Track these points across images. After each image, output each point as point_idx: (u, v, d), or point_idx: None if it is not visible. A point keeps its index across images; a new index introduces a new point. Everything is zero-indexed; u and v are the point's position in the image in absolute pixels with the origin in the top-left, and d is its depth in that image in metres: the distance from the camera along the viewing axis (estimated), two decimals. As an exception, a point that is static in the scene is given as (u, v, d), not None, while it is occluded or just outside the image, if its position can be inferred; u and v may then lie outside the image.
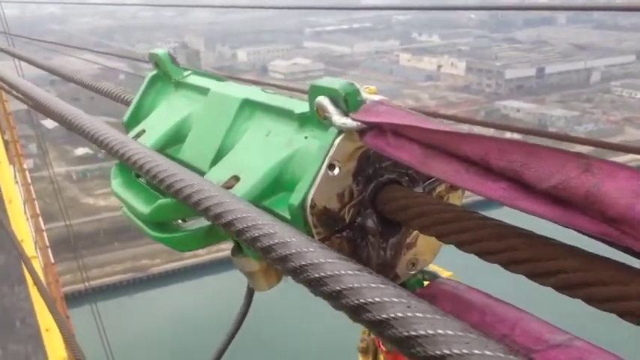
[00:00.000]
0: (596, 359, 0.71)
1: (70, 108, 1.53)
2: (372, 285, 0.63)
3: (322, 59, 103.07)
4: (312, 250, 0.70)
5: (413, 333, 0.55)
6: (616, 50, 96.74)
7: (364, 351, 5.35)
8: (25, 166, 10.82)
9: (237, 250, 1.10)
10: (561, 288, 0.68)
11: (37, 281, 2.68)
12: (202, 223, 1.16)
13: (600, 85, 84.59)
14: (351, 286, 0.63)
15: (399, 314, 0.58)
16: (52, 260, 9.50)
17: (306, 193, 0.92)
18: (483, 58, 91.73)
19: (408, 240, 1.00)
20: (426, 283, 1.02)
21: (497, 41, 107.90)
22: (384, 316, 0.59)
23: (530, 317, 0.82)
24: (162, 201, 1.17)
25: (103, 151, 1.26)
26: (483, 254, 0.77)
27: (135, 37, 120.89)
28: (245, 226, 0.79)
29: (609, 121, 70.79)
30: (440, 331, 0.54)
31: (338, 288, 0.64)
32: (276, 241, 0.73)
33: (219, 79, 1.50)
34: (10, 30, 12.33)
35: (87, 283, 14.98)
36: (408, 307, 0.58)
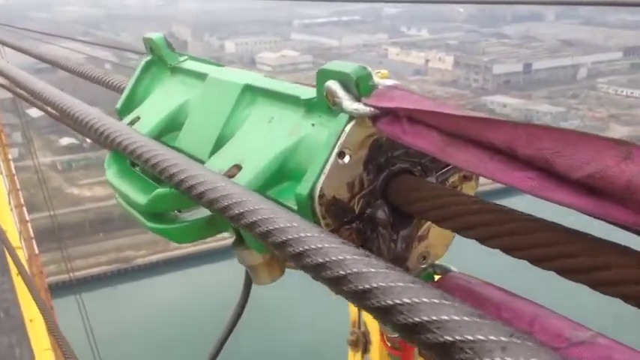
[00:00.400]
0: (621, 357, 0.67)
1: (61, 95, 1.47)
2: (381, 270, 0.59)
3: (310, 52, 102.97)
4: (316, 235, 0.66)
5: (425, 318, 0.53)
6: (603, 47, 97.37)
7: (354, 344, 5.30)
8: (9, 156, 10.73)
9: (239, 242, 1.05)
10: (565, 273, 0.66)
11: (21, 271, 2.62)
12: (201, 213, 1.11)
13: (587, 81, 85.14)
14: (357, 271, 0.60)
15: (407, 300, 0.55)
16: (37, 251, 9.44)
17: (315, 182, 0.87)
18: (471, 53, 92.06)
19: (420, 232, 0.96)
20: (437, 277, 0.97)
21: (486, 36, 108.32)
22: (395, 301, 0.55)
23: (549, 313, 0.78)
24: (160, 191, 1.12)
25: (88, 140, 1.20)
26: (505, 249, 0.72)
27: (121, 26, 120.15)
28: (249, 215, 0.74)
29: (595, 117, 71.30)
30: (455, 317, 0.52)
31: (343, 273, 0.60)
32: (280, 226, 0.69)
33: (216, 64, 1.44)
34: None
35: (71, 274, 14.88)
36: (420, 293, 0.55)
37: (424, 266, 0.99)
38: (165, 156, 0.94)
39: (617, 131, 66.44)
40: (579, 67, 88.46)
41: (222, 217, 0.80)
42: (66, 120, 1.34)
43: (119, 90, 1.80)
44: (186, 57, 1.45)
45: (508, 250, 0.72)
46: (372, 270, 0.59)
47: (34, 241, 9.50)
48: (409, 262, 0.96)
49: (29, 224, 9.71)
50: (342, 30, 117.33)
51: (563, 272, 0.66)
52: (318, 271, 0.63)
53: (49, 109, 1.53)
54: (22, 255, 8.05)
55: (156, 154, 0.95)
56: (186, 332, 30.05)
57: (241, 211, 0.75)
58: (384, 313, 0.56)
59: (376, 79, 0.88)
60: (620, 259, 0.61)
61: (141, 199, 1.14)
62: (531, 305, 0.80)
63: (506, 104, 73.91)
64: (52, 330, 2.46)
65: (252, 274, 1.09)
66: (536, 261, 0.69)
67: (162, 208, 1.14)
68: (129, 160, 1.28)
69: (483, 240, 0.74)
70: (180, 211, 1.16)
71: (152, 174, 1.04)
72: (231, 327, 1.28)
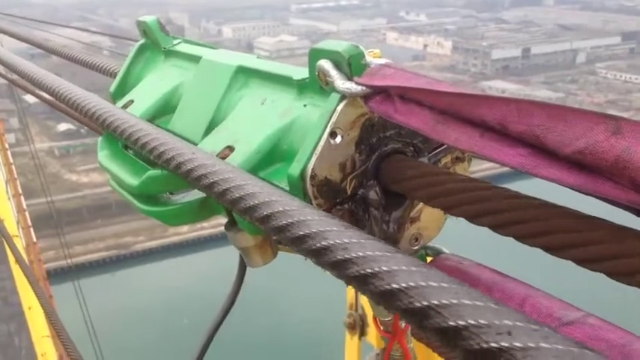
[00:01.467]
0: (611, 336, 0.67)
1: (55, 78, 1.47)
2: (387, 254, 0.58)
3: (308, 37, 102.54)
4: (316, 218, 0.65)
5: (434, 302, 0.52)
6: (602, 31, 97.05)
7: (351, 327, 5.31)
8: (7, 145, 10.73)
9: (232, 224, 1.05)
10: (551, 249, 0.66)
11: (19, 259, 2.62)
12: (194, 195, 1.11)
13: (585, 66, 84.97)
14: (362, 254, 0.58)
15: (413, 283, 0.54)
16: (35, 239, 9.46)
17: (307, 163, 0.86)
18: (470, 38, 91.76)
19: (412, 214, 0.95)
20: (429, 259, 0.97)
21: (484, 21, 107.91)
22: (400, 285, 0.54)
23: (540, 293, 0.78)
24: (151, 172, 1.11)
25: (86, 127, 1.19)
26: (494, 226, 0.72)
27: (119, 12, 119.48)
28: (242, 194, 0.73)
29: (593, 102, 71.22)
30: (465, 301, 0.51)
31: (346, 256, 0.59)
32: (277, 209, 0.68)
33: (211, 47, 1.43)
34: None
35: (69, 260, 14.90)
36: (423, 275, 0.54)
37: (416, 248, 0.98)
38: (157, 137, 0.94)
39: (616, 116, 66.36)
40: (578, 52, 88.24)
41: (217, 200, 0.80)
42: (58, 104, 1.33)
43: (114, 75, 1.80)
44: (180, 40, 1.44)
45: (495, 228, 0.72)
46: (378, 253, 0.58)
47: (31, 230, 9.51)
48: (401, 243, 0.96)
49: (27, 213, 9.72)
50: (340, 15, 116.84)
51: (551, 249, 0.66)
52: (319, 255, 0.62)
53: (42, 94, 1.52)
54: (20, 243, 8.08)
55: (147, 136, 0.94)
56: (185, 317, 30.13)
57: (239, 195, 0.74)
58: (389, 298, 0.55)
59: (368, 58, 0.87)
60: (608, 235, 0.62)
61: (133, 181, 1.14)
62: (522, 286, 0.80)
63: (505, 90, 73.79)
64: (51, 318, 2.47)
65: (244, 256, 1.08)
66: (523, 238, 0.69)
67: (154, 190, 1.13)
68: (121, 142, 1.28)
69: (471, 218, 0.74)
70: (172, 194, 1.15)
71: (144, 156, 1.03)
72: (225, 311, 1.27)
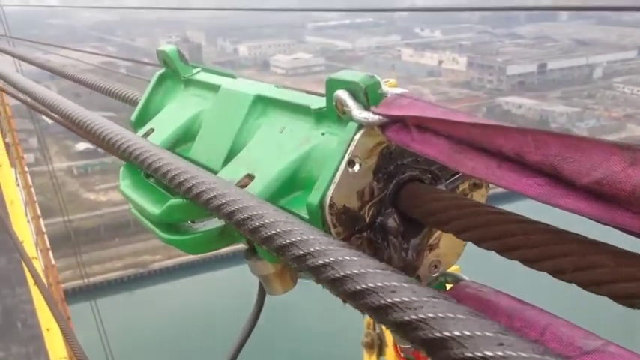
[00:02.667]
0: None
1: (75, 107, 1.49)
2: (405, 285, 0.58)
3: (324, 54, 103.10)
4: (335, 248, 0.65)
5: (447, 334, 0.52)
6: (618, 46, 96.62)
7: (369, 346, 5.28)
8: (26, 169, 10.91)
9: (251, 252, 1.05)
10: (556, 273, 0.66)
11: (38, 281, 2.64)
12: (214, 224, 1.11)
13: (602, 81, 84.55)
14: (380, 285, 0.58)
15: (431, 314, 0.54)
16: (53, 262, 9.54)
17: (325, 192, 0.87)
18: (485, 54, 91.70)
19: (431, 241, 0.95)
20: (448, 286, 0.97)
21: (499, 37, 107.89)
22: (418, 316, 0.54)
23: (561, 321, 0.77)
24: (173, 201, 1.12)
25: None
26: (501, 250, 0.73)
27: (136, 31, 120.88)
28: (261, 223, 0.74)
29: (611, 117, 70.77)
30: (477, 333, 0.51)
31: (364, 286, 0.59)
32: (296, 238, 0.69)
33: (229, 75, 1.45)
34: (11, 24, 12.42)
35: (86, 280, 15.01)
36: (440, 306, 0.55)
37: (435, 275, 0.98)
38: (177, 166, 0.95)
39: (634, 131, 65.86)
40: (594, 67, 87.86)
41: (237, 229, 0.81)
42: (80, 132, 1.35)
43: (133, 102, 1.82)
44: (199, 69, 1.45)
45: (502, 252, 0.73)
46: (395, 284, 0.58)
47: (50, 252, 9.60)
48: (420, 270, 0.96)
49: (46, 236, 9.81)
50: (355, 32, 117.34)
51: (556, 273, 0.67)
52: (337, 284, 0.62)
53: (66, 122, 1.54)
54: (39, 265, 8.16)
55: (168, 165, 0.96)
56: (203, 338, 30.10)
57: (259, 224, 0.75)
58: (407, 329, 0.55)
59: (385, 88, 0.87)
60: (611, 259, 0.62)
61: (154, 209, 1.15)
62: (543, 314, 0.80)
63: (521, 105, 73.55)
64: (69, 340, 2.49)
65: (264, 284, 1.09)
66: (529, 262, 0.70)
67: (175, 218, 1.14)
68: (143, 171, 1.29)
69: (479, 242, 0.75)
70: (194, 222, 1.16)
71: (165, 185, 1.05)
72: (244, 337, 1.27)
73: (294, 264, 0.69)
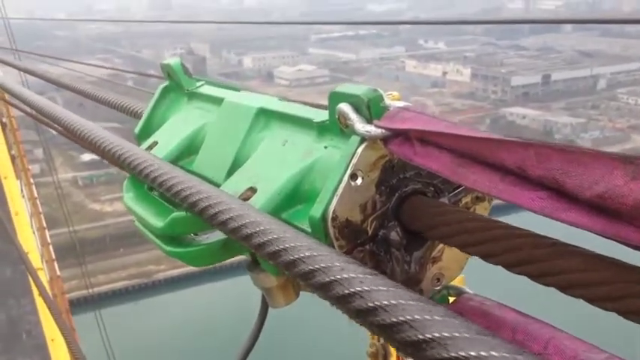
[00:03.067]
0: None
1: (80, 120, 1.49)
2: (411, 302, 0.58)
3: (327, 65, 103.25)
4: (338, 264, 0.65)
5: (462, 354, 0.51)
6: (622, 57, 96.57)
7: (374, 356, 5.28)
8: (31, 180, 10.98)
9: (254, 264, 1.05)
10: (563, 288, 0.66)
11: (43, 293, 2.65)
12: (217, 236, 1.12)
13: (606, 92, 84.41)
14: (386, 303, 0.58)
15: (437, 334, 0.53)
16: (58, 273, 9.56)
17: (328, 205, 0.87)
18: (489, 65, 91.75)
19: (434, 254, 0.95)
20: (451, 299, 0.97)
21: (503, 48, 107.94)
22: (427, 336, 0.54)
23: (564, 335, 0.77)
24: (175, 214, 1.12)
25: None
26: (507, 265, 0.73)
27: (141, 43, 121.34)
28: (266, 239, 0.74)
29: (615, 128, 70.62)
30: (494, 353, 0.51)
31: (371, 305, 0.59)
32: (304, 254, 0.69)
33: (233, 88, 1.46)
34: (17, 36, 12.53)
35: (90, 290, 15.02)
36: (453, 326, 0.54)
37: (438, 288, 0.98)
38: (180, 179, 0.95)
39: (638, 142, 65.71)
40: (598, 78, 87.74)
41: (242, 244, 0.81)
42: (85, 144, 1.35)
43: (137, 115, 1.83)
44: (203, 82, 1.46)
45: (509, 267, 0.73)
46: (402, 302, 0.58)
47: (55, 263, 9.62)
48: (423, 284, 0.96)
49: (51, 247, 9.84)
50: (358, 44, 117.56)
51: (563, 288, 0.66)
52: (343, 302, 0.62)
53: (71, 135, 1.55)
54: (44, 276, 8.18)
55: (173, 179, 0.96)
56: (207, 347, 30.00)
57: (264, 240, 0.75)
58: (415, 349, 0.55)
59: (387, 101, 0.88)
60: (620, 275, 0.62)
61: (157, 222, 1.15)
62: (546, 327, 0.79)
63: (525, 115, 73.45)
64: (74, 351, 2.50)
65: (267, 296, 1.09)
66: (536, 277, 0.70)
67: (178, 231, 1.14)
68: (146, 184, 1.30)
69: (486, 257, 0.75)
70: (196, 234, 1.16)
71: (169, 198, 1.05)
72: (247, 350, 1.27)
73: (300, 280, 0.69)
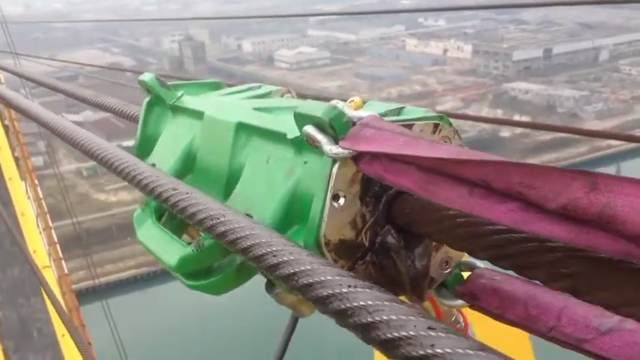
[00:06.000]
0: None
1: (90, 136, 1.45)
2: (411, 318, 0.59)
3: (327, 47, 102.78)
4: (354, 290, 0.65)
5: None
6: (624, 28, 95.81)
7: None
8: (36, 181, 11.06)
9: (271, 285, 1.03)
10: (576, 292, 0.66)
11: (49, 294, 2.67)
12: (231, 262, 1.10)
13: (609, 63, 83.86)
14: (386, 318, 0.59)
15: (439, 350, 0.54)
16: (66, 271, 9.64)
17: (318, 231, 0.87)
18: (490, 41, 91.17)
19: (435, 242, 0.94)
20: (465, 274, 0.96)
21: (504, 23, 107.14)
22: (427, 352, 0.55)
23: (576, 302, 0.78)
24: (184, 254, 1.12)
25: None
26: (493, 259, 0.75)
27: (140, 31, 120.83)
28: (277, 261, 0.75)
29: (618, 100, 70.22)
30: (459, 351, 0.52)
31: (393, 335, 0.59)
32: (316, 279, 0.68)
33: (211, 87, 1.44)
34: (14, 29, 12.53)
35: (96, 280, 15.14)
36: (455, 343, 0.55)
37: (448, 271, 0.96)
38: (198, 202, 0.95)
39: (642, 113, 65.35)
40: (600, 50, 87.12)
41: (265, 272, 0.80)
42: (97, 161, 1.33)
43: (130, 118, 1.82)
44: (182, 92, 1.42)
45: (495, 261, 0.74)
46: (402, 317, 0.58)
47: (63, 262, 9.70)
48: (432, 272, 0.94)
49: (58, 246, 9.92)
50: (358, 24, 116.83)
51: (603, 305, 0.66)
52: (366, 331, 0.62)
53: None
54: (52, 274, 8.25)
55: (195, 205, 0.95)
56: (219, 337, 30.17)
57: (291, 271, 0.73)
58: (386, 347, 0.56)
59: (349, 113, 0.86)
60: (634, 279, 0.62)
61: (170, 261, 1.14)
62: (557, 297, 0.80)
63: (528, 90, 73.08)
64: (82, 350, 2.52)
65: (292, 310, 1.06)
66: (519, 269, 0.71)
67: (191, 268, 1.13)
68: (154, 215, 1.29)
69: (474, 253, 0.77)
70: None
71: (172, 226, 1.02)
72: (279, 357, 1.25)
73: (316, 305, 0.69)
